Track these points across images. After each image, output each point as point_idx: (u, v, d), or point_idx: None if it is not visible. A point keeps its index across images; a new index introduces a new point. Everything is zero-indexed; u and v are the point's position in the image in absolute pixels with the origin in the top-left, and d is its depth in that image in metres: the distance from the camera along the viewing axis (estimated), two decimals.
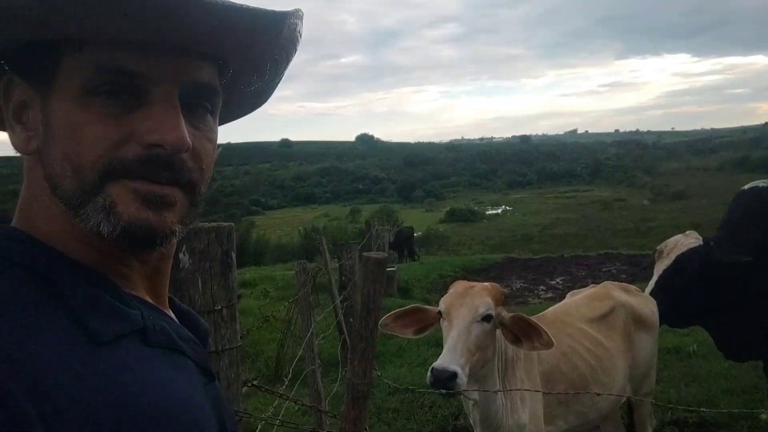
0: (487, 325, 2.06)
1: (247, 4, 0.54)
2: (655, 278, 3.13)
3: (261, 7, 0.55)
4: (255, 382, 1.79)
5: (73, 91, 0.54)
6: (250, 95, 0.73)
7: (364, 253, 1.62)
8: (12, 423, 0.41)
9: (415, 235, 19.46)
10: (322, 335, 5.13)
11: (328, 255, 5.53)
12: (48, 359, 0.46)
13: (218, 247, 1.62)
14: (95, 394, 0.47)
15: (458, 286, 2.22)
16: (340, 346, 5.46)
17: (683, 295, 3.07)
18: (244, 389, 5.74)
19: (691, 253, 3.06)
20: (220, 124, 0.68)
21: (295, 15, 0.59)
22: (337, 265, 5.76)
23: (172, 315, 0.68)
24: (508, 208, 69.97)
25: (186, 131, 0.56)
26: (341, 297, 5.55)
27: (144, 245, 0.57)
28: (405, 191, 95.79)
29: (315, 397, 3.50)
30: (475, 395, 2.13)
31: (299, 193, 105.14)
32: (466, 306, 2.05)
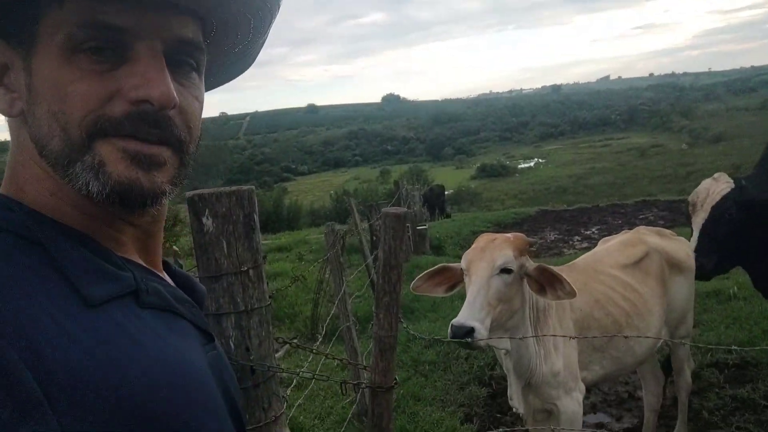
0: (507, 277, 2.05)
1: None
2: (696, 234, 3.03)
3: None
4: (292, 341, 1.82)
5: (55, 49, 0.53)
6: (235, 57, 0.71)
7: (384, 209, 1.61)
8: (6, 383, 0.41)
9: (446, 192, 19.37)
10: (355, 294, 5.21)
11: (357, 216, 5.56)
12: (41, 321, 0.46)
13: (240, 210, 1.63)
14: (89, 354, 0.47)
15: (480, 241, 2.20)
16: (375, 305, 5.53)
17: (726, 245, 2.97)
18: (284, 347, 5.91)
19: (725, 200, 2.95)
20: (208, 89, 0.67)
21: None
22: (367, 225, 5.79)
23: (167, 278, 0.67)
24: (540, 160, 68.87)
25: (172, 87, 0.55)
26: (373, 256, 5.59)
27: (134, 205, 0.56)
28: (434, 150, 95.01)
29: (351, 353, 3.57)
30: (506, 344, 2.15)
31: (328, 158, 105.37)
32: (485, 260, 2.04)
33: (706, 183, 3.14)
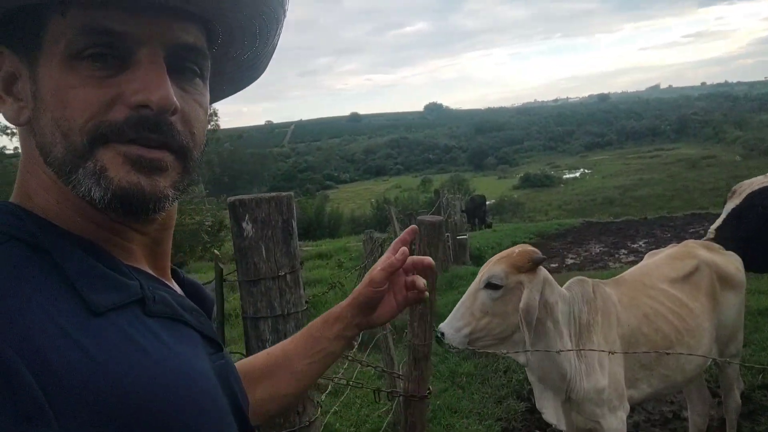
0: (493, 293, 2.08)
1: None
2: (723, 216, 2.91)
3: None
4: None
5: (58, 56, 0.53)
6: (245, 66, 0.72)
7: (419, 218, 1.61)
8: (11, 391, 0.41)
9: (487, 203, 19.18)
10: None
11: (396, 224, 5.55)
12: (46, 327, 0.46)
13: (278, 216, 1.66)
14: (93, 361, 0.47)
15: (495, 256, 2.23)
16: (409, 311, 5.50)
17: (747, 233, 2.86)
18: None
19: (763, 191, 2.84)
20: (219, 99, 0.68)
21: None
22: None
23: (176, 286, 0.67)
24: (586, 171, 67.43)
25: (172, 91, 0.55)
26: None
27: (137, 210, 0.56)
28: (476, 159, 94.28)
29: (388, 361, 3.56)
30: (522, 358, 2.14)
31: (370, 166, 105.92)
32: (480, 274, 2.13)
33: (756, 177, 3.04)
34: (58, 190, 0.56)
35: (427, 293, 0.91)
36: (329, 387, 2.03)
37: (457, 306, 2.11)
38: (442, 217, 1.65)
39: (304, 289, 1.82)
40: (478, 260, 9.49)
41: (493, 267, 2.11)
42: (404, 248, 0.87)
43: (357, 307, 0.87)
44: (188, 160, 0.59)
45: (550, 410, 2.24)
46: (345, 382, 1.72)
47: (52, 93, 0.53)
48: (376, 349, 4.19)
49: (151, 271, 0.62)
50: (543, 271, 2.14)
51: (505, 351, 2.17)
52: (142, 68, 0.54)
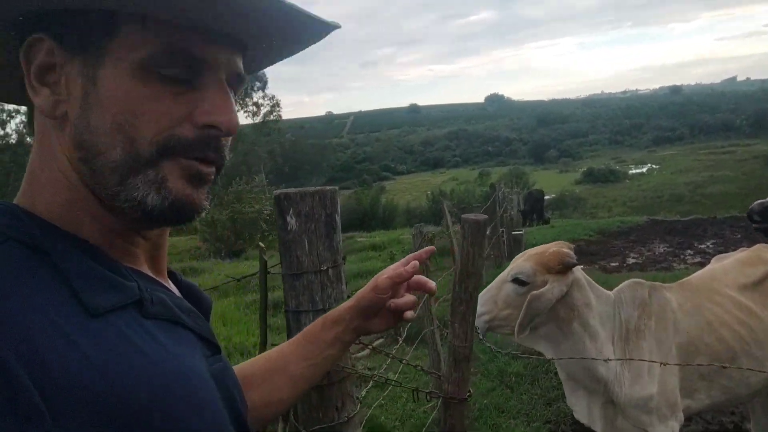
0: (518, 288, 2.11)
1: (300, 7, 0.58)
2: None
3: (310, 14, 0.60)
4: (370, 344, 1.82)
5: (130, 65, 0.55)
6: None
7: (463, 215, 1.56)
8: (7, 391, 0.42)
9: (546, 197, 18.72)
10: (443, 297, 5.16)
11: (449, 218, 5.48)
12: (44, 328, 0.46)
13: (322, 210, 1.65)
14: (91, 363, 0.47)
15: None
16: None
17: None
18: (365, 350, 5.92)
19: None
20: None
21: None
22: (458, 228, 5.70)
23: (173, 287, 0.67)
24: (654, 166, 64.70)
25: (237, 116, 0.60)
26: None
27: (185, 219, 0.59)
28: (537, 152, 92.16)
29: (434, 358, 3.53)
30: (548, 351, 2.16)
31: (428, 158, 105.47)
32: (511, 265, 2.18)
33: None
34: (69, 189, 0.57)
35: (411, 314, 0.92)
36: (370, 382, 2.03)
37: (482, 291, 2.14)
38: (486, 216, 1.59)
39: (346, 284, 1.81)
40: None
41: (522, 263, 2.12)
42: (415, 262, 0.90)
43: (358, 310, 0.89)
44: (219, 173, 0.63)
45: (581, 409, 2.21)
46: (383, 380, 1.70)
47: (119, 98, 0.55)
48: (423, 344, 4.17)
49: (149, 273, 0.63)
50: (575, 273, 2.10)
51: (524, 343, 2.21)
52: (211, 91, 0.58)
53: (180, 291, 0.69)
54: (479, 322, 2.12)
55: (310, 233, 1.66)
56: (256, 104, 65.55)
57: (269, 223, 15.10)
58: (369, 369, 5.00)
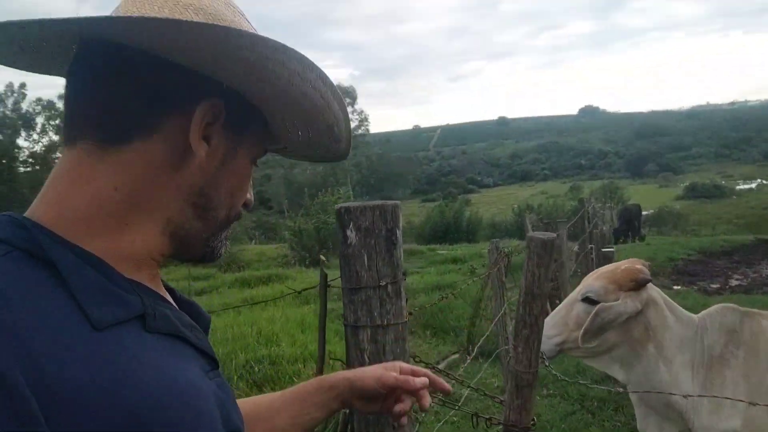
0: (589, 307, 2.01)
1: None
2: None
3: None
4: (434, 363, 1.77)
5: (251, 153, 0.71)
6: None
7: (529, 234, 1.49)
8: (7, 400, 0.43)
9: (644, 213, 17.69)
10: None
11: (531, 233, 5.29)
12: (46, 337, 0.47)
13: (382, 225, 1.63)
14: (92, 375, 0.48)
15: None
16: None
17: None
18: (446, 360, 5.83)
19: None
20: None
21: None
22: None
23: (171, 300, 0.69)
24: (764, 182, 59.57)
25: None
26: None
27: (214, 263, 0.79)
28: (634, 165, 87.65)
29: (507, 377, 3.41)
30: (620, 374, 2.09)
31: (515, 171, 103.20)
32: (581, 284, 2.09)
33: None
34: (149, 224, 0.63)
35: (404, 420, 0.93)
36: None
37: (552, 313, 2.08)
38: (555, 235, 1.51)
39: (406, 301, 1.77)
40: None
41: (593, 281, 2.04)
42: (425, 379, 0.90)
43: (354, 388, 0.90)
44: None
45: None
46: (442, 404, 1.64)
47: (240, 175, 0.69)
48: (497, 360, 4.04)
49: (151, 286, 0.64)
50: (650, 292, 2.01)
51: (599, 366, 2.13)
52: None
53: (179, 306, 0.70)
54: (549, 344, 2.05)
55: (370, 248, 1.64)
56: None
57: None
58: None
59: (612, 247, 9.33)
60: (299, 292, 1.91)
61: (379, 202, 1.67)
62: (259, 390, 4.03)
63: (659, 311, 2.02)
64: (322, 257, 1.77)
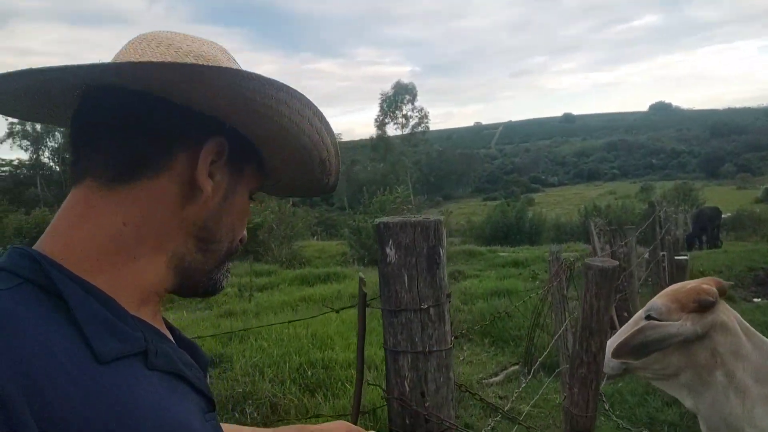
0: None
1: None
2: None
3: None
4: (473, 392, 1.62)
5: (249, 189, 0.74)
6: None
7: (587, 260, 1.31)
8: (5, 419, 0.44)
9: (723, 216, 16.59)
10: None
11: (596, 240, 5.02)
12: (51, 367, 0.49)
13: (424, 243, 1.50)
14: (92, 407, 0.50)
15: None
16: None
17: None
18: (504, 372, 5.59)
19: None
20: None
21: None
22: (609, 250, 5.18)
23: (171, 338, 0.71)
24: None
25: None
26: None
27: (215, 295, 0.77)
28: (710, 165, 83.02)
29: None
30: (688, 402, 1.90)
31: (582, 170, 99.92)
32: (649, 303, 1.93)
33: None
34: (156, 258, 0.65)
35: None
36: (499, 414, 1.82)
37: (619, 330, 1.94)
38: (615, 262, 1.32)
39: (451, 325, 1.63)
40: None
41: (657, 299, 1.89)
42: None
43: None
44: None
45: None
46: (509, 418, 1.49)
47: (240, 209, 0.72)
48: (559, 377, 3.81)
49: (154, 323, 0.66)
50: (719, 315, 1.82)
51: (668, 390, 1.97)
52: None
53: (177, 344, 0.72)
54: (613, 362, 1.89)
55: (410, 267, 1.52)
56: (405, 116, 67.12)
57: None
58: (500, 397, 4.72)
59: (686, 255, 8.76)
60: (337, 311, 1.79)
61: (421, 218, 1.53)
62: (311, 395, 3.97)
63: (730, 337, 1.84)
64: (361, 275, 1.65)
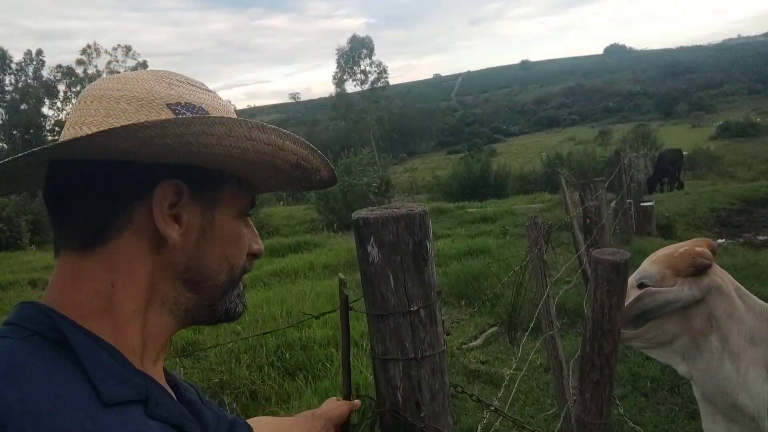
0: None
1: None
2: None
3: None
4: (469, 394, 1.50)
5: (234, 210, 0.73)
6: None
7: (593, 252, 1.17)
8: None
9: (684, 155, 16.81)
10: (564, 287, 4.67)
11: (567, 191, 4.95)
12: (63, 418, 0.52)
13: (409, 238, 1.34)
14: None
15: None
16: (586, 297, 4.92)
17: None
18: (482, 335, 5.55)
19: None
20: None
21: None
22: (579, 207, 5.12)
23: (173, 394, 0.72)
24: None
25: None
26: (587, 243, 4.94)
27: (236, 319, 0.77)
28: (664, 106, 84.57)
29: (555, 364, 3.14)
30: (681, 367, 1.86)
31: (541, 117, 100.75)
32: (638, 269, 1.86)
33: None
34: (151, 309, 0.67)
35: None
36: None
37: None
38: (627, 253, 1.18)
39: (442, 325, 1.48)
40: (666, 231, 8.35)
41: (648, 265, 1.82)
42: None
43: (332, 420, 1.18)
44: None
45: None
46: (494, 408, 1.38)
47: (228, 235, 0.72)
48: (537, 334, 3.77)
49: (156, 378, 0.67)
50: (714, 278, 1.76)
51: (660, 358, 1.92)
52: (251, 227, 0.79)
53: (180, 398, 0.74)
54: None
55: (396, 266, 1.35)
56: (363, 72, 65.92)
57: (378, 194, 15.08)
58: (482, 362, 4.69)
59: (651, 201, 8.84)
60: (317, 317, 1.62)
61: (404, 211, 1.36)
62: (291, 379, 3.84)
63: (725, 300, 1.80)
64: (341, 275, 1.49)
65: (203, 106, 0.70)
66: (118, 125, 0.60)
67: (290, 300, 5.02)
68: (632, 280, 1.88)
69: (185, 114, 0.68)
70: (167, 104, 0.67)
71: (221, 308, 0.72)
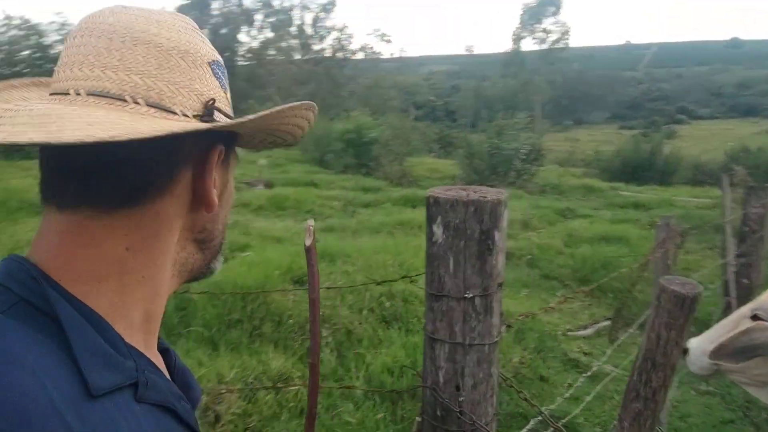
0: None
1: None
2: None
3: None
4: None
5: (234, 171, 0.73)
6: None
7: (662, 280, 1.05)
8: None
9: None
10: (705, 286, 4.24)
11: (728, 199, 4.42)
12: (42, 406, 0.48)
13: (476, 225, 1.31)
14: None
15: None
16: (721, 311, 4.43)
17: None
18: (595, 326, 5.28)
19: None
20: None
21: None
22: (739, 212, 4.53)
23: (163, 365, 0.69)
24: None
25: None
26: (737, 252, 4.42)
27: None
28: None
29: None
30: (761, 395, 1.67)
31: (739, 103, 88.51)
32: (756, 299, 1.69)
33: None
34: (161, 275, 0.65)
35: None
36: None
37: (717, 325, 1.73)
38: (697, 284, 1.04)
39: (501, 316, 1.45)
40: None
41: (762, 298, 1.66)
42: None
43: None
44: None
45: None
46: None
47: (230, 195, 0.73)
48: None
49: (145, 352, 0.64)
50: None
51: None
52: None
53: (170, 372, 0.71)
54: (703, 361, 1.65)
55: (458, 250, 1.34)
56: (545, 30, 62.35)
57: (526, 161, 14.53)
58: (585, 353, 4.48)
59: None
60: (379, 283, 1.66)
61: (476, 196, 1.33)
62: (386, 326, 3.99)
63: None
64: (311, 221, 1.54)
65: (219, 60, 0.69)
66: (179, 81, 0.60)
67: (406, 252, 5.13)
68: (746, 309, 1.69)
69: (219, 73, 0.67)
70: (208, 62, 0.65)
71: (213, 266, 0.73)
